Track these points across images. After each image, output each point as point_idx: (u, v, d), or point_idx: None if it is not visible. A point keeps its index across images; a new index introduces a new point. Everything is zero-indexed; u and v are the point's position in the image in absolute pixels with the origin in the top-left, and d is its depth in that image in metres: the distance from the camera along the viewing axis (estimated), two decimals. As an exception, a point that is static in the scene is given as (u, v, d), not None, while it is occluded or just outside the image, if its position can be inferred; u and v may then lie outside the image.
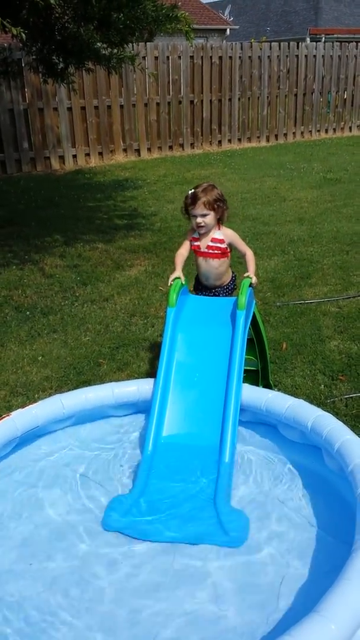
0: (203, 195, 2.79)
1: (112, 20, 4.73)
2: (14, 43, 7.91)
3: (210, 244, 2.87)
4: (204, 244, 2.89)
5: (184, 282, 2.80)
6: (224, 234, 2.89)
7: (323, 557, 1.99)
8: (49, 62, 5.50)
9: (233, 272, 3.08)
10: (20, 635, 1.75)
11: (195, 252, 2.94)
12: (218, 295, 3.00)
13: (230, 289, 3.05)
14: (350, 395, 3.14)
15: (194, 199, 2.80)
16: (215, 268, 2.93)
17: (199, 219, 2.82)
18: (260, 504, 2.23)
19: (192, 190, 2.84)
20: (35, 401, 2.79)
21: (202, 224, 2.83)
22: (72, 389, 3.05)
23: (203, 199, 2.78)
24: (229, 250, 2.94)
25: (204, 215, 2.81)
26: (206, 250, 2.89)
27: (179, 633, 1.75)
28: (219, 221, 2.88)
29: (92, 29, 4.68)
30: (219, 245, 2.88)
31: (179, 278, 2.79)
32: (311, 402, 2.82)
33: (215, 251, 2.89)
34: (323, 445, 2.27)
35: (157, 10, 4.81)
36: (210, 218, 2.82)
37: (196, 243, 2.91)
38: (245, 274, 2.83)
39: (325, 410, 2.42)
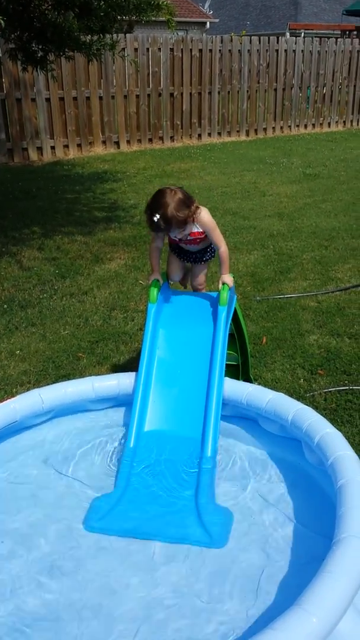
0: (173, 214, 2.45)
1: (93, 7, 4.66)
2: (-9, 31, 7.78)
3: (190, 238, 2.78)
4: (183, 237, 2.79)
5: (161, 282, 2.76)
6: (201, 225, 2.68)
7: (302, 549, 2.00)
8: (28, 50, 5.41)
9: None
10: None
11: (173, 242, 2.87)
12: (199, 256, 2.90)
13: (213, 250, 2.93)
14: (329, 390, 3.17)
15: (167, 224, 2.47)
16: (196, 248, 2.86)
17: (179, 235, 2.66)
18: (240, 497, 2.23)
19: (158, 216, 2.44)
20: (13, 395, 2.75)
21: (183, 237, 2.69)
22: (51, 383, 3.02)
23: (175, 221, 2.47)
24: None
25: (182, 231, 2.61)
26: (186, 240, 2.80)
27: (159, 626, 1.74)
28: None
29: (72, 17, 4.61)
30: (198, 236, 2.79)
31: (157, 280, 2.73)
32: (291, 396, 2.83)
33: (196, 239, 2.80)
34: (303, 438, 2.28)
35: (139, -2, 4.76)
36: (188, 228, 2.61)
37: (174, 237, 2.82)
38: (221, 280, 2.73)
39: (304, 404, 2.44)
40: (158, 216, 2.45)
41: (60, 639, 1.72)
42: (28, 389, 3.12)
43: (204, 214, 2.63)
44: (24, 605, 1.82)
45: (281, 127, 12.49)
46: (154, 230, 2.57)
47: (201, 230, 2.70)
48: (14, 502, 2.22)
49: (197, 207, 2.58)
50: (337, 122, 13.35)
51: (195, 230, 2.69)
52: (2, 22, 3.81)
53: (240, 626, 1.71)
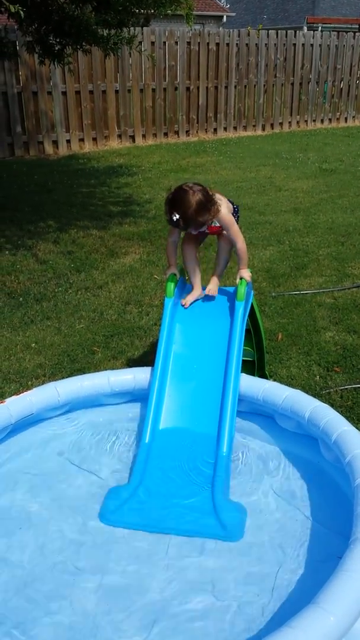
0: (193, 217, 2.45)
1: (111, 1, 4.64)
2: (9, 24, 7.79)
3: (207, 231, 2.76)
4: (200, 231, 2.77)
5: (178, 277, 2.75)
6: (219, 220, 2.63)
7: (318, 547, 1.99)
8: (46, 43, 5.41)
9: None
10: (5, 623, 1.73)
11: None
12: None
13: None
14: (346, 387, 3.14)
15: (186, 224, 2.48)
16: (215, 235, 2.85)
17: (195, 231, 2.64)
18: (256, 493, 2.22)
19: (178, 215, 2.44)
20: (29, 388, 2.76)
21: (200, 234, 2.69)
22: (66, 377, 3.03)
23: (193, 223, 2.48)
24: None
25: (199, 229, 2.59)
26: (204, 232, 2.78)
27: (174, 623, 1.74)
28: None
29: (89, 10, 4.59)
30: (216, 230, 2.76)
31: (174, 274, 2.71)
32: (306, 393, 2.81)
33: (213, 232, 2.78)
34: (320, 436, 2.26)
35: (158, -8, 4.74)
36: (205, 226, 2.60)
37: (192, 232, 2.80)
38: (239, 275, 2.71)
39: (321, 402, 2.41)
40: (177, 216, 2.44)
41: (74, 633, 1.72)
42: (43, 382, 3.13)
43: (223, 210, 2.59)
44: (38, 597, 1.82)
45: (297, 122, 12.40)
46: (172, 225, 2.56)
47: (219, 225, 2.68)
48: (30, 494, 2.23)
49: (217, 210, 2.54)
50: (354, 117, 13.22)
51: (212, 225, 2.67)
52: (21, 13, 3.81)
53: (257, 623, 1.70)
